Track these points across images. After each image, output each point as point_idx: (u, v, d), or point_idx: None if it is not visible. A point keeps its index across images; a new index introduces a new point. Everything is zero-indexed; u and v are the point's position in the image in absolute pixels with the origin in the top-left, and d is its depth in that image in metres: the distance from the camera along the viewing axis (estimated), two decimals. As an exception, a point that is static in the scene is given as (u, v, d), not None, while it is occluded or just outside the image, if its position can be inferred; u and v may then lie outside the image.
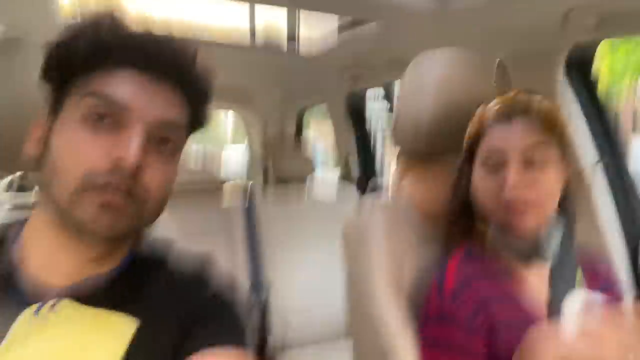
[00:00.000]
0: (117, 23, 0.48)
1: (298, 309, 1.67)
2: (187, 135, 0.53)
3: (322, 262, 1.81)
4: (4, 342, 0.42)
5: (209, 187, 1.83)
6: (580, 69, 1.16)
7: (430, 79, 0.95)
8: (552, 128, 0.77)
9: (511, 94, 0.82)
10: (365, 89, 2.19)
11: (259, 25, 1.92)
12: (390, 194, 1.04)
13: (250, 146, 3.67)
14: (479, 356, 0.74)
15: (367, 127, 2.30)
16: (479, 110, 0.84)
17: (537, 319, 0.76)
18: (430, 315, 0.80)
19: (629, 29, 1.03)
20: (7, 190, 2.27)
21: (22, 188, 1.97)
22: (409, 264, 0.90)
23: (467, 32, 1.20)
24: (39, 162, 0.49)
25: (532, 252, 0.79)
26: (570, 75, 1.15)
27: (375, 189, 2.08)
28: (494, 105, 0.81)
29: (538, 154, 0.75)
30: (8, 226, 0.53)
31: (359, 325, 0.95)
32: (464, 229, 0.88)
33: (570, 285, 0.81)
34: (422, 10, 1.19)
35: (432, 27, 1.28)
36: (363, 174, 2.29)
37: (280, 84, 2.51)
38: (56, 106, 0.49)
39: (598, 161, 1.14)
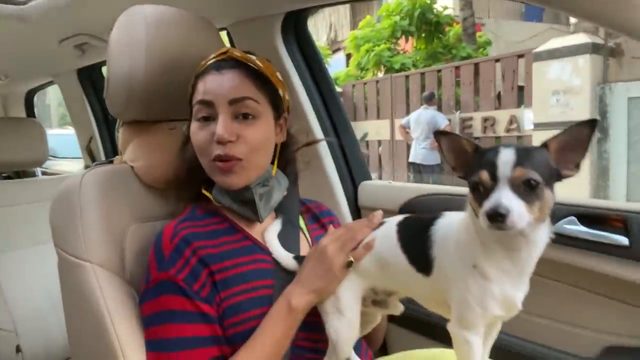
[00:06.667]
0: None
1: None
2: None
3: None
4: None
5: None
6: (295, 32, 1.24)
7: (141, 35, 0.84)
8: (263, 84, 0.78)
9: (225, 49, 0.80)
10: (100, 64, 1.94)
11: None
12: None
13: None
14: (206, 317, 0.71)
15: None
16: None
17: (266, 272, 0.77)
18: (149, 287, 0.73)
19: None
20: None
21: None
22: (130, 236, 0.82)
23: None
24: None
25: (248, 210, 0.80)
26: (287, 39, 1.21)
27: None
28: (207, 59, 0.79)
29: (246, 108, 0.75)
30: None
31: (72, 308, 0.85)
32: (192, 191, 0.84)
33: (294, 235, 0.86)
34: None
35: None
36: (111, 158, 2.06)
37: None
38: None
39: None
